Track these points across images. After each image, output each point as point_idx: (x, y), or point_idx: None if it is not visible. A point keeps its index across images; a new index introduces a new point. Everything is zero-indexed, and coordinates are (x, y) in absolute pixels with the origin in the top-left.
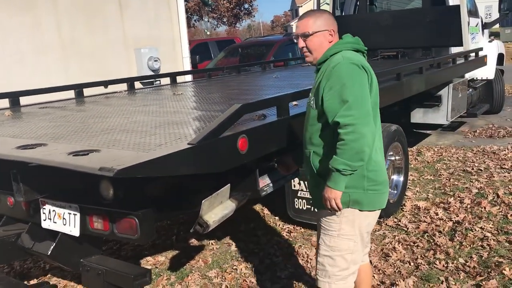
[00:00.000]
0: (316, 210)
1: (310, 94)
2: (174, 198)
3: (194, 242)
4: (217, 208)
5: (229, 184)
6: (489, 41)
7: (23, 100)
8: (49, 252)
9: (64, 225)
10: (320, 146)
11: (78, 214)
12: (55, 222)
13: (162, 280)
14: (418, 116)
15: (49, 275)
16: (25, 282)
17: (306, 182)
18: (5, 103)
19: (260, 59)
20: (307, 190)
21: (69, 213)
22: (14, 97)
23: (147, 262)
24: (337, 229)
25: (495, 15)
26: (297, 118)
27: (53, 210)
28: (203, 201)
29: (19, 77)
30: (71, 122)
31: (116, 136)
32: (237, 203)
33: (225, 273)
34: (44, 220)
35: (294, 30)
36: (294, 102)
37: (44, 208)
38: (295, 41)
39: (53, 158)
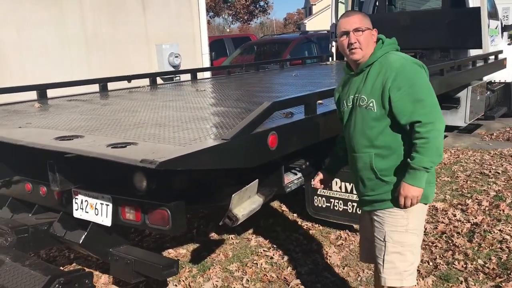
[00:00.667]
0: (359, 211)
1: (362, 95)
2: (204, 191)
3: (214, 236)
4: (246, 203)
5: (257, 180)
6: (508, 44)
7: (50, 93)
8: (81, 241)
9: (96, 215)
10: (384, 148)
11: (111, 205)
12: (87, 212)
13: (185, 272)
14: None
15: (74, 263)
16: None
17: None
18: (32, 95)
19: (276, 57)
20: (327, 188)
21: (102, 204)
22: (42, 89)
23: (169, 254)
24: (405, 225)
25: None
26: (324, 117)
27: (86, 200)
28: (233, 195)
29: (44, 70)
30: (101, 115)
31: (150, 130)
32: (264, 198)
33: (246, 267)
34: (76, 209)
35: (307, 28)
36: (320, 101)
37: (77, 198)
38: (344, 37)
39: (94, 150)
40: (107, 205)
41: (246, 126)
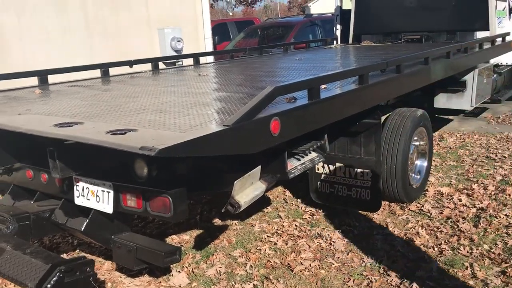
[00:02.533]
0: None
1: None
2: (206, 177)
3: (217, 221)
4: (248, 189)
5: (259, 166)
6: None
7: (50, 79)
8: (83, 228)
9: (98, 202)
10: None
11: (112, 192)
12: (88, 199)
13: (188, 259)
14: (442, 101)
15: (78, 250)
16: None
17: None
18: (34, 81)
19: (280, 41)
20: (331, 174)
21: (103, 191)
22: (42, 75)
23: (172, 241)
24: None
25: None
26: (328, 102)
27: (87, 188)
28: (235, 182)
29: (45, 56)
30: (102, 101)
31: (151, 116)
32: (267, 185)
33: (249, 253)
34: (78, 197)
35: (311, 11)
36: (324, 86)
37: (78, 185)
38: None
39: (92, 137)
40: (108, 192)
41: (248, 111)
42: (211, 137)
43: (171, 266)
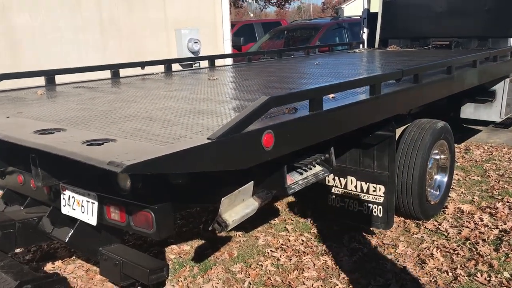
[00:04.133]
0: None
1: None
2: (195, 191)
3: (221, 233)
4: (238, 207)
5: (252, 182)
6: None
7: (61, 79)
8: (67, 239)
9: (83, 212)
10: None
11: (96, 203)
12: (74, 209)
13: (185, 271)
14: (469, 111)
15: (74, 257)
16: (51, 263)
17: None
18: (41, 81)
19: (306, 43)
20: (342, 187)
21: (88, 201)
22: (49, 75)
23: (172, 251)
24: None
25: None
26: (332, 113)
27: (73, 197)
28: (222, 199)
29: (58, 55)
30: (98, 105)
31: (138, 125)
32: (261, 202)
33: (250, 269)
34: (64, 206)
35: (344, 13)
36: (331, 95)
37: (64, 194)
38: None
39: (65, 147)
40: (93, 203)
41: (237, 124)
42: (190, 152)
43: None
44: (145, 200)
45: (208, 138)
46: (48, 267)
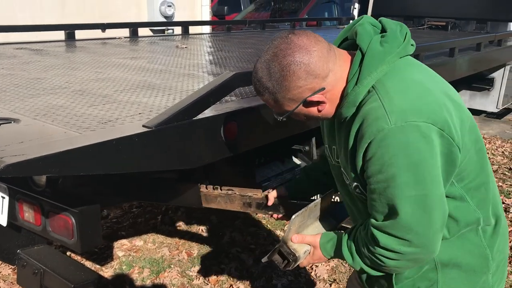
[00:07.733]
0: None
1: (333, 146)
2: (136, 187)
3: (181, 226)
4: (310, 228)
5: (332, 190)
6: None
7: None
8: None
9: None
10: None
11: (7, 198)
12: None
13: (133, 273)
14: (463, 99)
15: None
16: None
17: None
18: None
19: (293, 16)
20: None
21: None
22: None
23: (122, 246)
24: None
25: None
26: None
27: None
28: (293, 217)
29: (8, 11)
30: (27, 71)
31: (62, 100)
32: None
33: (210, 273)
34: None
35: None
36: None
37: None
38: None
39: None
40: (3, 197)
41: (186, 107)
42: (108, 145)
43: (110, 283)
44: (66, 200)
45: (144, 126)
46: None
